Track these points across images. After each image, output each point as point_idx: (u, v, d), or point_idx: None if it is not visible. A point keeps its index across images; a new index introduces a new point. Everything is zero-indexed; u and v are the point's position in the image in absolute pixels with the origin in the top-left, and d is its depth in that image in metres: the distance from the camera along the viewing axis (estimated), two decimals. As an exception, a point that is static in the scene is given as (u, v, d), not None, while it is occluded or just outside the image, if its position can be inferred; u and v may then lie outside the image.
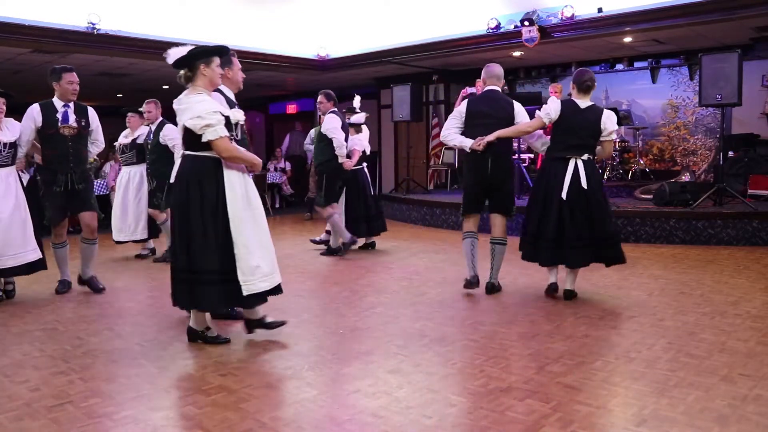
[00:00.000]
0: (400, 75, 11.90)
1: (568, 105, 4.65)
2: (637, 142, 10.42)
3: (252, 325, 3.86)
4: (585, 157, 4.59)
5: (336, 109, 6.80)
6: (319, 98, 6.85)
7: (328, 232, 7.38)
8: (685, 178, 8.94)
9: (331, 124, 6.67)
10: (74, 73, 5.03)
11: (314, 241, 7.70)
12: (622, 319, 4.16)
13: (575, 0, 8.49)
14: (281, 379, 3.21)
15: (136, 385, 3.13)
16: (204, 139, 3.47)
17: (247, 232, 3.58)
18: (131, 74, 11.41)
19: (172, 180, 4.09)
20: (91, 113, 5.18)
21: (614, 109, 9.09)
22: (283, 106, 16.42)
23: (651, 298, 4.72)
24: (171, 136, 6.15)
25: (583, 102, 4.63)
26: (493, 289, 4.96)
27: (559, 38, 8.99)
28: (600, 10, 8.33)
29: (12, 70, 10.19)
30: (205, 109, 3.46)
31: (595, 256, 4.62)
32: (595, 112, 4.61)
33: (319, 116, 6.97)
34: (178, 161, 3.97)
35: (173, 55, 3.55)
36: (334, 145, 6.64)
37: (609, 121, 4.61)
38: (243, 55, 10.38)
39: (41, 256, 4.98)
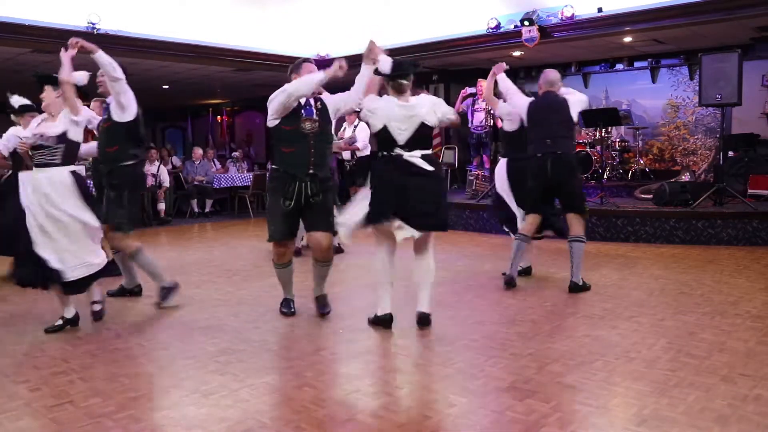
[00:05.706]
0: (400, 75, 11.90)
1: None
2: (637, 142, 10.41)
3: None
4: None
5: None
6: None
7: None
8: (685, 178, 8.94)
9: None
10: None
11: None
12: (622, 319, 4.16)
13: (575, 0, 8.50)
14: (281, 378, 3.21)
15: (136, 385, 3.13)
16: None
17: None
18: (131, 74, 11.33)
19: None
20: None
21: (614, 109, 9.10)
22: (283, 106, 16.40)
23: (651, 298, 4.72)
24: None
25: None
26: (575, 288, 4.88)
27: (559, 38, 8.99)
28: (600, 10, 8.33)
29: (12, 69, 10.19)
30: None
31: None
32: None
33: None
34: None
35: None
36: None
37: None
38: (243, 55, 10.53)
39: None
